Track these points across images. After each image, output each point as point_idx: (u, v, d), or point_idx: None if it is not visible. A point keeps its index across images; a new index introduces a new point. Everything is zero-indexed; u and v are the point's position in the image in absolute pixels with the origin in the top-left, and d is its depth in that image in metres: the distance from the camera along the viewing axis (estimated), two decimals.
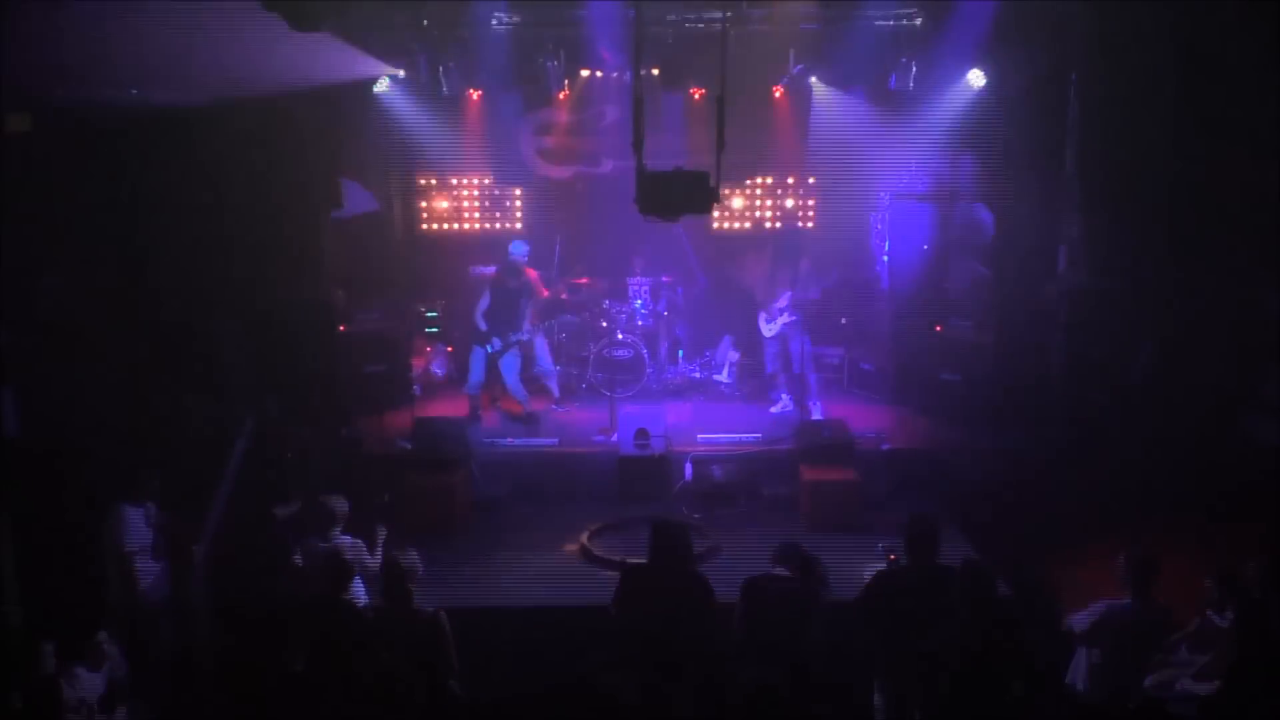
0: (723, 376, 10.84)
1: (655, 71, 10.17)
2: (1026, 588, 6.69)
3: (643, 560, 5.93)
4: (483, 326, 9.77)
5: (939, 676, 5.01)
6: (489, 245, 11.46)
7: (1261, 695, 5.05)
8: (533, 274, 10.12)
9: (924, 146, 10.70)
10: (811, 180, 11.77)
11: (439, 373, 11.21)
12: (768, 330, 10.02)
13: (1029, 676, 5.18)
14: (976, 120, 10.05)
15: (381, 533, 6.65)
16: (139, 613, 6.55)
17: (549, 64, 10.14)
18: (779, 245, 10.27)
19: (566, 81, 10.72)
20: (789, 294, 9.84)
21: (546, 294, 10.42)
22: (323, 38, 8.44)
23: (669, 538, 5.76)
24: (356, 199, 10.64)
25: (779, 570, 5.79)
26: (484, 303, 9.81)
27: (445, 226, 11.94)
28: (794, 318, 9.86)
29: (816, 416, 9.65)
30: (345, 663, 5.49)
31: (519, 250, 9.94)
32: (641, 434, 8.79)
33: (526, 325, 9.83)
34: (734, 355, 11.06)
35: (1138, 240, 9.18)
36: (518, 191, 11.87)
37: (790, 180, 11.81)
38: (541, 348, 10.26)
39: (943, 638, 5.15)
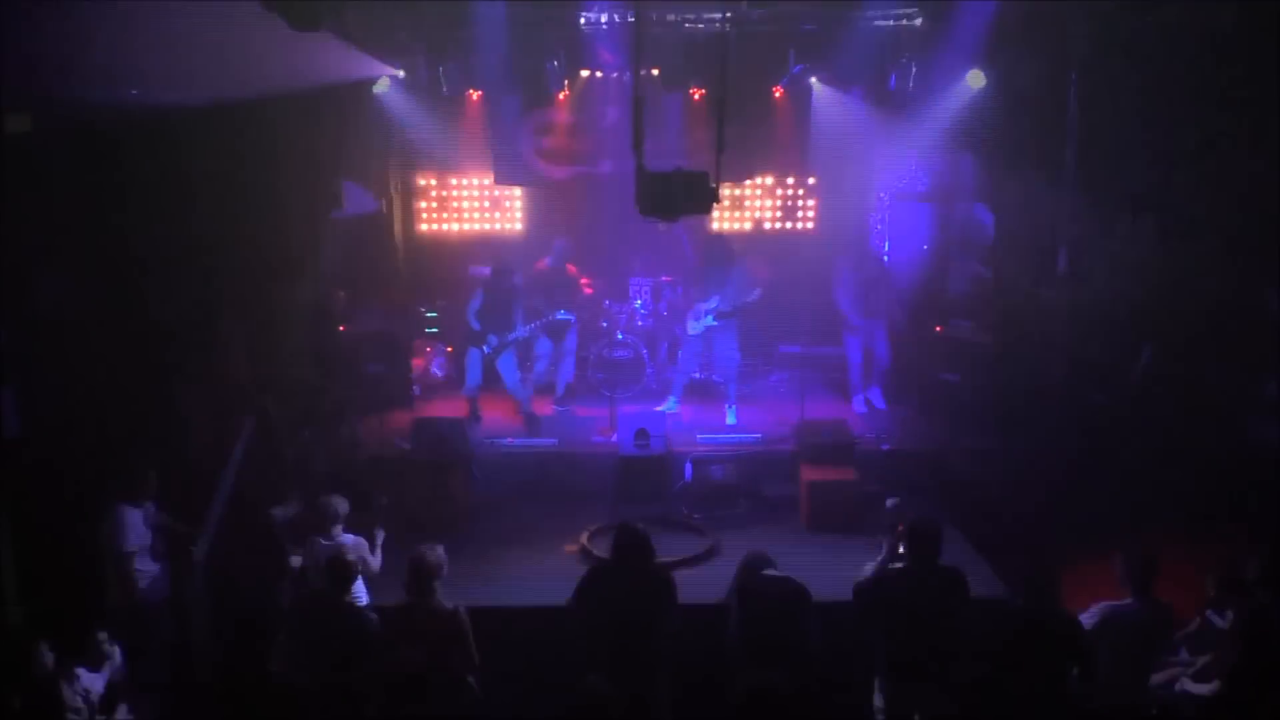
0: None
1: (655, 71, 10.17)
2: (1038, 591, 6.58)
3: (603, 563, 5.94)
4: (475, 326, 9.78)
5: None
6: (489, 245, 11.47)
7: (1262, 695, 5.06)
8: (573, 270, 10.37)
9: (924, 146, 10.71)
10: (811, 180, 11.77)
11: (439, 373, 11.21)
12: (692, 329, 9.98)
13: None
14: (976, 120, 10.05)
15: (380, 534, 6.64)
16: (139, 613, 6.54)
17: (549, 64, 10.14)
18: (709, 249, 10.25)
19: (566, 82, 10.72)
20: (718, 297, 9.81)
21: (591, 292, 10.67)
22: (322, 38, 8.43)
23: (632, 538, 5.75)
24: (356, 199, 10.64)
25: (771, 571, 5.78)
26: (475, 303, 9.82)
27: (445, 226, 11.94)
28: (719, 322, 9.85)
29: (731, 421, 9.78)
30: (347, 663, 5.50)
31: (562, 248, 10.28)
32: (641, 434, 8.79)
33: (520, 324, 9.84)
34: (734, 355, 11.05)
35: (1138, 240, 9.18)
36: (518, 191, 11.87)
37: (790, 180, 11.81)
38: (570, 344, 10.34)
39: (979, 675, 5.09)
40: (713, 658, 5.76)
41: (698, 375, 10.91)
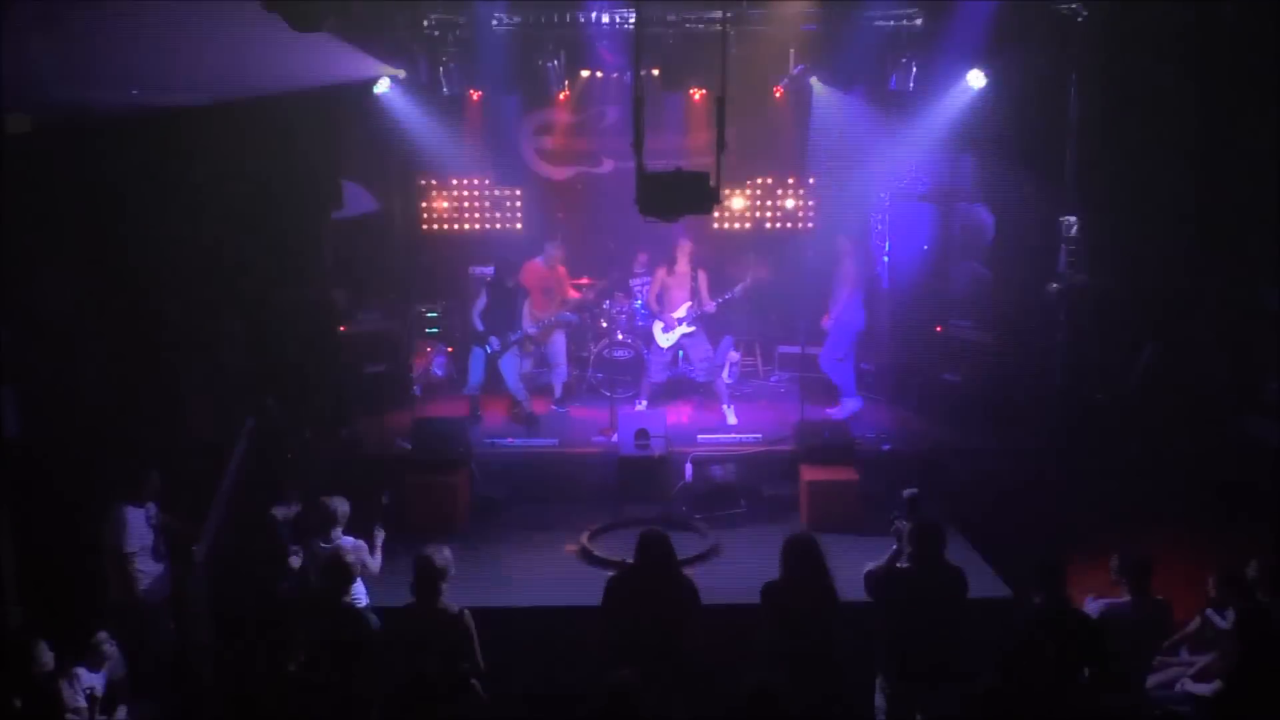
0: (724, 376, 10.83)
1: (655, 72, 10.17)
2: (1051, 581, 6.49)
3: (628, 566, 5.92)
4: (480, 327, 9.79)
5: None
6: (489, 245, 11.47)
7: (1262, 696, 5.05)
8: (562, 271, 10.27)
9: (924, 146, 10.70)
10: (811, 180, 11.77)
11: (439, 373, 11.21)
12: (664, 340, 10.00)
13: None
14: (976, 120, 10.04)
15: (380, 534, 6.63)
16: (139, 613, 6.55)
17: (549, 64, 10.14)
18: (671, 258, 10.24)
19: (566, 82, 10.72)
20: (689, 305, 9.84)
21: (577, 295, 10.51)
22: (323, 38, 8.44)
23: (653, 545, 5.74)
24: (356, 199, 10.64)
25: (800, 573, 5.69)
26: (481, 303, 9.83)
27: (445, 226, 11.94)
28: (693, 328, 9.88)
29: (732, 421, 9.80)
30: (347, 664, 5.50)
31: (551, 250, 10.18)
32: (641, 434, 8.79)
33: (527, 323, 9.85)
34: (734, 355, 11.06)
35: (1138, 240, 9.18)
36: (518, 191, 11.87)
37: (790, 180, 11.81)
38: (559, 347, 10.30)
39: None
40: (716, 658, 5.74)
41: (666, 377, 10.91)
